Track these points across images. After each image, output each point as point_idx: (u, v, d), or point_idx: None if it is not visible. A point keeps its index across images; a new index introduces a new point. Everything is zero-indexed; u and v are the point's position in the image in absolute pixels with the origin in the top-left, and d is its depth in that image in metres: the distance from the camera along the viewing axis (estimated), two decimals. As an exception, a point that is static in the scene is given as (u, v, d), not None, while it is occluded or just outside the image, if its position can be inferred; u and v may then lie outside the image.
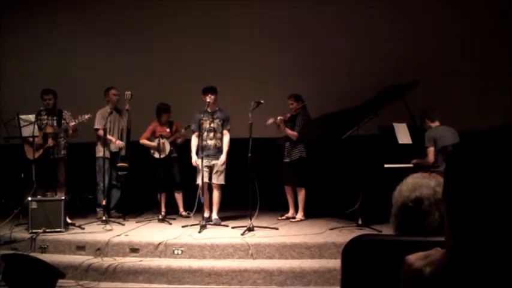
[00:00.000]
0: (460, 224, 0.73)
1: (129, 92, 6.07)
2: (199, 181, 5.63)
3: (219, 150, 5.73)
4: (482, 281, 0.70)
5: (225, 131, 5.78)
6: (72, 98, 6.40)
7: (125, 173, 6.07)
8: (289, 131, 5.74)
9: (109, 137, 6.08)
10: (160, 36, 7.40)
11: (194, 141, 5.82)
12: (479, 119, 5.82)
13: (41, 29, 7.65)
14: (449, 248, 0.78)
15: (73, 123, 5.75)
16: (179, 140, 6.28)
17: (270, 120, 5.64)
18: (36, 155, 5.66)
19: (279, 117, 5.69)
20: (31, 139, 5.62)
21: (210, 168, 5.69)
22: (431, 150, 5.12)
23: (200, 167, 5.58)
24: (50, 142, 5.77)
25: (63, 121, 5.88)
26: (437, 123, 5.28)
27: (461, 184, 0.72)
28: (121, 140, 6.17)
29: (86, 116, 5.73)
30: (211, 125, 5.74)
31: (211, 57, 7.20)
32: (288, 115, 5.80)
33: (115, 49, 7.54)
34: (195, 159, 5.73)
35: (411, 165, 5.25)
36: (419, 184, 1.27)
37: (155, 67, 7.36)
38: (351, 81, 6.71)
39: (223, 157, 5.68)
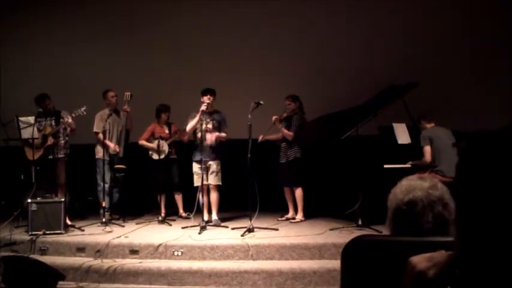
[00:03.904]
0: (467, 225, 0.71)
1: (129, 93, 6.03)
2: (196, 183, 5.63)
3: (214, 151, 5.74)
4: (487, 284, 0.69)
5: (222, 133, 5.79)
6: (72, 99, 6.37)
7: (122, 174, 6.05)
8: (285, 131, 5.76)
9: (107, 142, 6.05)
10: (160, 37, 7.40)
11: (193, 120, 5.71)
12: (479, 120, 5.81)
13: (41, 30, 7.64)
14: (457, 250, 0.76)
15: (70, 118, 5.72)
16: (185, 137, 6.12)
17: (260, 137, 5.79)
18: (37, 155, 5.66)
19: (274, 117, 5.73)
20: (31, 140, 5.62)
21: (206, 169, 5.70)
22: (427, 150, 5.14)
23: (199, 170, 5.59)
24: (50, 141, 5.76)
25: (61, 120, 5.87)
26: (432, 125, 5.34)
27: (473, 184, 0.70)
28: (119, 141, 6.13)
29: (82, 109, 5.68)
30: (208, 126, 5.75)
31: (211, 58, 7.19)
32: (285, 115, 5.83)
33: (115, 50, 7.53)
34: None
35: (410, 165, 5.26)
36: (413, 187, 1.29)
37: (155, 68, 7.35)
38: (351, 82, 6.71)
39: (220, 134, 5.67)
